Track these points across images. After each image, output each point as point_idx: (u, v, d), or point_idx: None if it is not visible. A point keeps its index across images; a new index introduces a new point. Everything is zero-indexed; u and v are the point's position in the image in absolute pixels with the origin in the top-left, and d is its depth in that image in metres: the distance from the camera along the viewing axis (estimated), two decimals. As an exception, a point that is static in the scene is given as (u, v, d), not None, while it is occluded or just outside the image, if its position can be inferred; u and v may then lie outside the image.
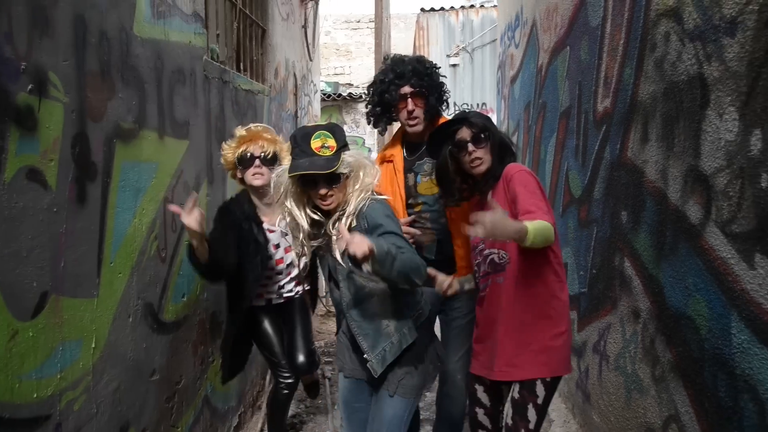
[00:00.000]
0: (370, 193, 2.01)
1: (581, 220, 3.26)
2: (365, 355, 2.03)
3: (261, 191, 2.67)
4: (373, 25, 17.22)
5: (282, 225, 2.66)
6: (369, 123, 2.79)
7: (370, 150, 12.39)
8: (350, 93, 12.79)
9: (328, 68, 16.19)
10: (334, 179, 1.93)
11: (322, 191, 1.93)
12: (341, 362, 2.24)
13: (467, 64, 12.76)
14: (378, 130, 2.85)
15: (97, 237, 1.89)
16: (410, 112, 2.60)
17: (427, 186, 2.63)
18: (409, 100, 2.59)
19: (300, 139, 1.94)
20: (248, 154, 2.59)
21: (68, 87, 1.71)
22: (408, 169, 2.69)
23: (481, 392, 2.31)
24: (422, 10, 13.09)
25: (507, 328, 2.16)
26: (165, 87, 2.40)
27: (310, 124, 2.13)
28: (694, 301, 1.95)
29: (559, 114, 3.66)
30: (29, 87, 1.54)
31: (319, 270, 2.33)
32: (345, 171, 1.94)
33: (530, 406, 2.14)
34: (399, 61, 2.67)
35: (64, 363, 1.71)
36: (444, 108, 2.74)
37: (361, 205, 1.97)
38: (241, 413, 3.43)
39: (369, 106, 2.76)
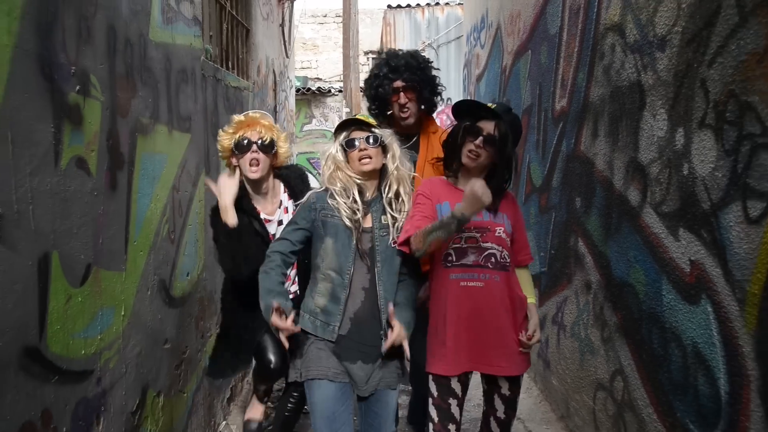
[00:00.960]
0: (410, 186, 2.22)
1: (541, 207, 3.64)
2: (381, 333, 2.11)
3: (257, 181, 2.57)
4: (339, 19, 17.45)
5: (277, 215, 2.61)
6: (375, 118, 2.70)
7: (339, 143, 12.64)
8: (319, 87, 13.00)
9: (295, 62, 16.38)
10: (373, 140, 2.11)
11: (363, 145, 2.09)
12: (322, 368, 2.11)
13: (433, 60, 13.10)
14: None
15: (125, 219, 2.15)
16: (402, 105, 2.68)
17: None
18: (402, 93, 2.66)
19: (345, 117, 2.27)
20: (245, 140, 2.48)
21: (104, 87, 1.97)
22: None
23: (454, 383, 2.19)
24: (389, 6, 13.39)
25: (503, 325, 2.16)
26: (173, 85, 2.66)
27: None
28: (635, 271, 2.34)
29: (521, 111, 4.03)
30: (77, 88, 1.80)
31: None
32: (382, 135, 2.14)
33: (517, 398, 2.26)
34: (393, 55, 2.75)
35: (102, 326, 1.98)
36: (438, 101, 2.83)
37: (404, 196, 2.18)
38: (233, 386, 3.72)
39: (368, 102, 2.86)
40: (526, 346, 2.17)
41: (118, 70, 2.09)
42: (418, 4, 13.29)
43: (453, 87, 13.15)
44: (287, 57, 6.16)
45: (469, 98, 6.50)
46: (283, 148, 2.59)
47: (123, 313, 2.13)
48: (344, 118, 11.41)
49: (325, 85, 13.47)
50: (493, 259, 2.16)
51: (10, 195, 1.48)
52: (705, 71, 1.82)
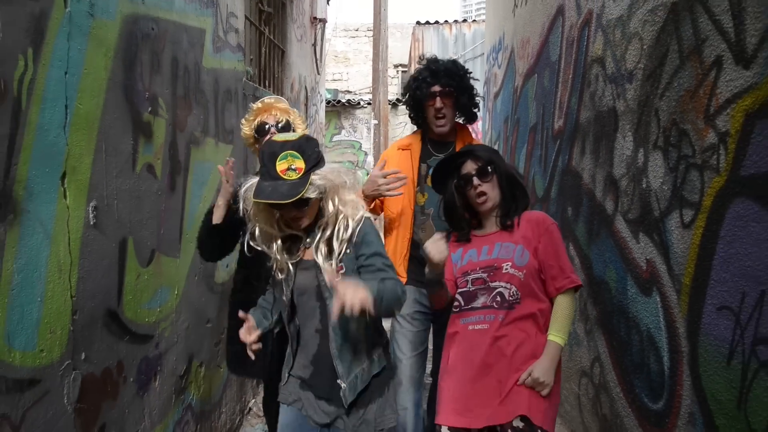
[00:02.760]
0: (360, 212, 1.89)
1: (543, 216, 4.02)
2: (339, 380, 1.87)
3: None
4: (370, 33, 18.00)
5: None
6: (415, 123, 2.83)
7: (366, 154, 13.15)
8: (349, 99, 13.51)
9: (326, 74, 16.96)
10: (302, 203, 1.76)
11: (291, 215, 1.81)
12: (285, 393, 2.02)
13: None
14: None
15: (180, 215, 2.62)
16: (438, 110, 2.63)
17: None
18: (438, 98, 2.62)
19: (266, 159, 1.77)
20: (264, 125, 2.53)
21: (168, 107, 2.45)
22: (423, 159, 2.72)
23: None
24: (418, 23, 13.88)
25: (510, 370, 2.00)
26: (219, 104, 3.13)
27: (279, 138, 1.85)
28: (609, 270, 2.71)
29: (528, 129, 4.42)
30: (149, 109, 2.28)
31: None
32: (314, 196, 1.77)
33: None
34: (434, 60, 2.72)
35: (161, 301, 2.44)
36: (476, 111, 2.79)
37: (356, 230, 1.86)
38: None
39: (407, 107, 2.83)
40: (530, 385, 1.96)
41: (178, 93, 2.56)
42: (446, 21, 13.75)
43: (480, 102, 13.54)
44: (318, 74, 6.65)
45: (488, 124, 6.86)
46: (300, 128, 2.60)
47: (176, 293, 2.60)
48: (372, 131, 11.67)
49: (355, 98, 14.00)
50: (499, 298, 2.03)
51: (103, 192, 1.95)
52: (657, 102, 2.20)
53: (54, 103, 1.68)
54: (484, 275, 2.06)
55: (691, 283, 1.94)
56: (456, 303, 2.13)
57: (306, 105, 5.85)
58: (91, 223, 1.88)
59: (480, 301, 2.06)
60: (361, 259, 1.86)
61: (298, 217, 1.81)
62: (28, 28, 1.56)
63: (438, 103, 2.62)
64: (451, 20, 13.74)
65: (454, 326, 2.13)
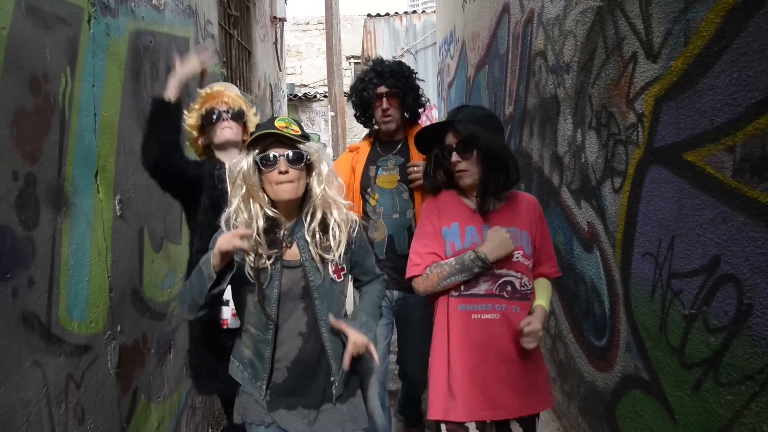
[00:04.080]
0: (350, 211, 1.84)
1: (499, 194, 4.45)
2: (332, 378, 1.81)
3: (231, 149, 2.30)
4: (321, 26, 18.19)
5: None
6: (363, 125, 2.90)
7: (325, 145, 13.42)
8: (305, 93, 13.73)
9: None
10: (297, 159, 1.69)
11: (282, 167, 1.67)
12: (258, 413, 1.82)
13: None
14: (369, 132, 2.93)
15: (180, 206, 2.91)
16: (384, 111, 2.70)
17: (386, 180, 2.74)
18: (384, 99, 2.69)
19: (263, 122, 1.77)
20: (214, 111, 2.27)
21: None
22: (372, 160, 2.79)
23: (473, 429, 1.95)
24: (369, 15, 14.18)
25: (520, 361, 1.95)
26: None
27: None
28: (558, 234, 3.14)
29: (482, 115, 4.84)
30: (153, 113, 2.56)
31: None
32: (309, 151, 1.72)
33: None
34: (379, 62, 2.79)
35: (171, 283, 2.74)
36: (421, 111, 2.87)
37: (351, 232, 1.82)
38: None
39: (353, 107, 2.88)
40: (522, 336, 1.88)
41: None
42: (396, 13, 14.09)
43: (431, 90, 13.97)
44: (280, 70, 6.92)
45: (436, 110, 7.15)
46: (252, 121, 2.39)
47: (181, 276, 2.90)
48: (329, 123, 11.93)
49: (311, 91, 14.23)
50: (509, 288, 1.94)
51: (124, 187, 2.25)
52: (590, 90, 2.62)
53: (87, 112, 1.97)
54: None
55: (622, 237, 2.38)
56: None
57: (271, 101, 6.14)
58: (118, 214, 2.18)
59: (483, 288, 1.93)
60: (357, 263, 1.89)
61: (289, 179, 1.69)
62: (66, 50, 1.85)
63: (384, 103, 2.69)
64: (401, 12, 14.07)
65: (447, 312, 1.96)
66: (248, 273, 1.71)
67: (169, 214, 2.74)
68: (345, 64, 18.32)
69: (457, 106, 2.15)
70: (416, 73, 2.89)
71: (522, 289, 1.95)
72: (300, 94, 13.81)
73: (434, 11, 13.88)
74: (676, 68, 1.91)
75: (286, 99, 7.63)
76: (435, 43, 12.07)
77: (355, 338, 1.73)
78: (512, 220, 2.00)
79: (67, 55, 1.85)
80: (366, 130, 2.98)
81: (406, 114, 2.82)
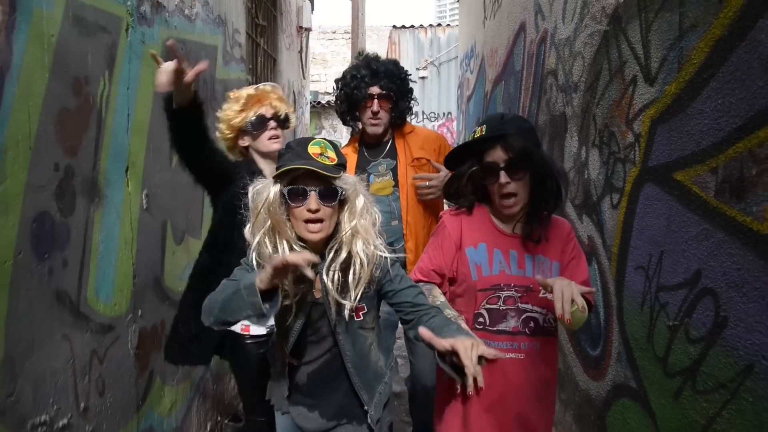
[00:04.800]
0: (380, 247, 1.65)
1: (509, 206, 4.57)
2: (366, 407, 1.74)
3: (271, 157, 2.27)
4: (347, 35, 18.43)
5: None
6: (341, 120, 2.74)
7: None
8: (329, 101, 13.96)
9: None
10: (330, 195, 1.55)
11: (313, 205, 1.52)
12: (279, 401, 1.84)
13: (434, 76, 14.14)
14: (350, 132, 2.78)
15: (201, 203, 3.09)
16: (375, 113, 2.51)
17: (380, 187, 2.60)
18: (376, 100, 2.50)
19: (295, 144, 1.59)
20: (259, 117, 2.21)
21: (193, 113, 2.92)
22: (362, 168, 2.63)
23: None
24: (394, 26, 14.41)
25: (537, 403, 1.85)
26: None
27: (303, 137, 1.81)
28: (561, 248, 3.25)
29: (497, 129, 4.96)
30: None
31: None
32: (345, 187, 1.58)
33: None
34: (374, 59, 2.57)
35: (188, 275, 2.91)
36: (410, 115, 2.73)
37: (374, 269, 1.64)
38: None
39: (336, 102, 2.68)
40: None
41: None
42: (421, 25, 14.29)
43: (453, 102, 14.15)
44: (304, 78, 7.12)
45: (462, 124, 7.24)
46: (293, 121, 2.43)
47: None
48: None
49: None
50: (532, 324, 1.78)
51: (151, 183, 2.42)
52: (595, 109, 2.74)
53: (121, 113, 2.15)
54: (517, 295, 1.77)
55: (617, 251, 2.49)
56: (480, 318, 1.79)
57: (294, 108, 6.33)
58: (144, 207, 2.35)
59: (510, 324, 1.77)
60: (391, 295, 1.69)
61: (320, 218, 1.54)
62: (105, 56, 2.03)
63: (375, 105, 2.50)
64: (426, 24, 14.27)
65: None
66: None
67: (191, 210, 2.91)
68: (369, 73, 18.59)
69: (494, 115, 1.91)
70: (410, 75, 2.70)
71: (545, 325, 1.79)
72: (323, 102, 14.05)
73: (458, 25, 14.07)
74: (670, 92, 2.03)
75: (308, 106, 7.84)
76: (458, 57, 12.28)
77: (464, 342, 1.43)
78: (544, 247, 1.80)
79: (105, 60, 2.03)
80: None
81: (393, 116, 2.64)
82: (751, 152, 1.59)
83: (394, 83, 2.54)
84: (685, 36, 1.94)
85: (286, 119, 2.32)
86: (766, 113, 1.53)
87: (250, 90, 2.30)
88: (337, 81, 2.69)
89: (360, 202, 1.62)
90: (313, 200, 1.54)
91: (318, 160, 1.54)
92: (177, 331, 2.29)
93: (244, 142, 2.32)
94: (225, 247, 2.18)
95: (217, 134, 2.36)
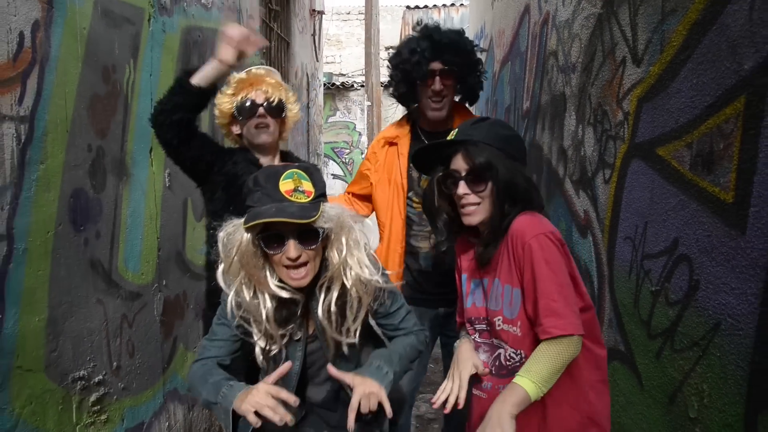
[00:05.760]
0: (375, 277, 1.48)
1: (516, 184, 4.72)
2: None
3: (265, 147, 2.15)
4: (362, 16, 18.45)
5: None
6: (400, 103, 2.38)
7: (360, 134, 13.78)
8: (343, 82, 14.08)
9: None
10: (310, 237, 1.38)
11: (292, 254, 1.36)
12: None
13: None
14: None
15: (219, 183, 3.28)
16: (437, 92, 2.17)
17: None
18: (438, 78, 2.16)
19: (264, 179, 1.40)
20: (248, 102, 2.05)
21: (210, 97, 3.10)
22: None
23: None
24: (408, 7, 14.43)
25: None
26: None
27: (278, 164, 1.69)
28: (561, 222, 3.40)
29: (504, 109, 5.09)
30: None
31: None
32: (326, 226, 1.40)
33: None
34: (435, 29, 2.22)
35: (208, 249, 3.11)
36: (480, 90, 2.36)
37: (371, 303, 1.51)
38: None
39: (392, 82, 2.31)
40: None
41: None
42: (434, 5, 14.29)
43: (467, 82, 14.21)
44: (317, 60, 7.27)
45: (494, 122, 7.34)
46: (293, 111, 2.19)
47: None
48: (365, 112, 12.15)
49: (348, 80, 14.56)
50: (497, 363, 1.57)
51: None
52: (590, 89, 2.87)
53: (145, 98, 2.34)
54: (488, 329, 1.61)
55: (609, 223, 2.63)
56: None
57: (308, 90, 6.49)
58: (167, 185, 2.55)
59: (482, 358, 1.61)
60: (383, 325, 1.60)
61: (301, 261, 1.39)
62: (129, 45, 2.21)
63: (438, 84, 2.17)
64: (439, 4, 14.27)
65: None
66: (259, 360, 1.48)
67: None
68: (383, 54, 18.62)
69: (473, 120, 1.74)
70: (478, 45, 2.36)
71: (507, 363, 1.53)
72: (338, 83, 14.17)
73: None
74: (654, 73, 2.16)
75: (322, 88, 7.99)
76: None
77: (361, 387, 1.38)
78: (498, 269, 1.57)
79: (130, 49, 2.21)
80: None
81: (460, 97, 2.30)
82: (719, 128, 1.73)
83: (459, 56, 2.19)
84: (666, 19, 2.07)
85: (280, 107, 2.08)
86: (732, 92, 1.66)
87: (242, 74, 2.11)
88: (391, 59, 2.31)
89: (346, 235, 1.44)
90: (291, 248, 1.36)
91: (291, 199, 1.35)
92: None
93: (237, 129, 2.14)
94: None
95: (216, 121, 2.24)
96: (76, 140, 1.84)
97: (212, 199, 2.12)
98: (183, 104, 1.92)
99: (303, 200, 1.36)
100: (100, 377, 1.99)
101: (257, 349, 1.46)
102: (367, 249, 1.50)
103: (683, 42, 1.95)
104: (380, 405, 1.40)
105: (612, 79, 2.58)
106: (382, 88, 13.56)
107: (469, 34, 8.27)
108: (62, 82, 1.76)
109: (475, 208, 1.56)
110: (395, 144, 2.32)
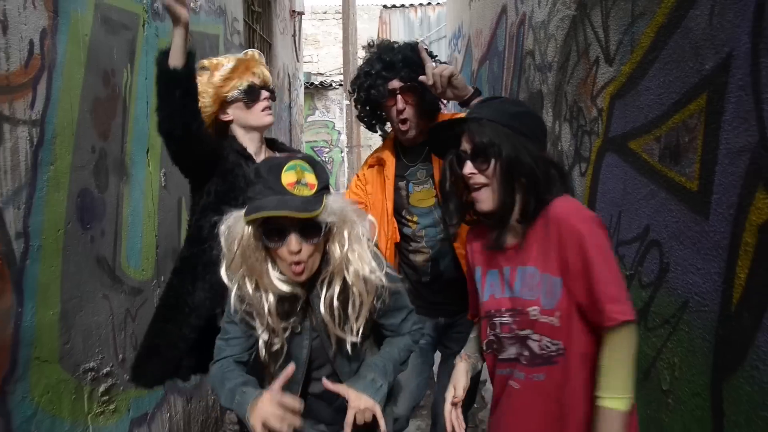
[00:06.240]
0: (377, 274, 1.46)
1: (495, 179, 4.88)
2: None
3: (261, 131, 2.10)
4: (338, 15, 18.53)
5: None
6: (367, 128, 2.38)
7: (340, 133, 13.87)
8: (321, 82, 14.16)
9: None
10: (313, 230, 1.36)
11: (294, 247, 1.34)
12: None
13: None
14: (379, 134, 2.43)
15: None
16: (400, 111, 2.16)
17: (420, 197, 2.27)
18: (399, 96, 2.14)
19: (266, 171, 1.37)
20: (255, 86, 2.00)
21: (200, 99, 3.19)
22: (400, 176, 2.31)
23: None
24: (385, 6, 14.55)
25: None
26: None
27: (280, 155, 1.72)
28: (540, 215, 3.55)
29: (483, 107, 5.24)
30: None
31: None
32: (329, 220, 1.38)
33: None
34: (388, 48, 2.22)
35: (201, 247, 3.20)
36: (444, 104, 2.35)
37: (374, 301, 1.50)
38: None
39: (357, 106, 2.31)
40: None
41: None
42: (411, 4, 14.43)
43: (444, 80, 14.37)
44: (297, 61, 7.35)
45: (504, 100, 7.42)
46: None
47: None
48: (344, 111, 12.27)
49: (327, 79, 14.64)
50: (527, 353, 1.50)
51: (167, 162, 2.69)
52: (566, 87, 3.02)
53: (141, 100, 2.42)
54: (511, 321, 1.52)
55: (586, 214, 2.79)
56: (493, 344, 1.60)
57: (289, 90, 6.58)
58: (163, 185, 2.64)
59: (512, 352, 1.54)
60: (382, 325, 1.62)
61: (303, 256, 1.37)
62: (127, 50, 2.30)
63: (400, 103, 2.15)
64: (416, 3, 14.42)
65: (493, 374, 1.63)
66: (261, 354, 1.48)
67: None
68: (361, 53, 18.75)
69: (483, 98, 1.76)
70: (437, 56, 2.35)
71: (543, 352, 1.46)
72: (316, 83, 14.24)
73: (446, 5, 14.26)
74: (625, 72, 2.32)
75: (302, 88, 8.08)
76: (446, 36, 12.51)
77: (356, 402, 1.41)
78: (528, 255, 1.50)
79: (127, 54, 2.30)
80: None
81: (425, 111, 2.26)
82: (684, 123, 1.88)
83: (416, 72, 2.12)
84: (636, 22, 2.22)
85: (274, 91, 2.08)
86: (695, 90, 1.82)
87: (238, 55, 2.04)
88: (352, 84, 2.32)
89: (349, 229, 1.42)
90: (293, 241, 1.34)
91: (294, 192, 1.32)
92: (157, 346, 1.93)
93: (227, 116, 2.02)
94: (202, 240, 1.85)
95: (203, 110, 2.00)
96: (81, 142, 1.92)
97: (201, 193, 2.00)
98: (177, 107, 1.78)
99: (306, 193, 1.33)
100: (108, 369, 2.08)
101: (260, 343, 1.46)
102: (370, 245, 1.47)
103: (651, 43, 2.10)
104: (374, 418, 1.44)
105: (586, 78, 2.73)
106: (350, 96, 13.67)
107: (447, 34, 8.42)
108: (68, 86, 1.84)
109: (484, 189, 1.48)
110: (383, 165, 2.34)
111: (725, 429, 1.76)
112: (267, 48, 5.53)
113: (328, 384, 1.46)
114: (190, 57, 1.83)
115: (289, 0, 6.69)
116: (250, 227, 1.34)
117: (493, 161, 1.46)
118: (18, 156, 1.60)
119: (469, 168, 1.47)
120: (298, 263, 1.36)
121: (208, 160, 1.93)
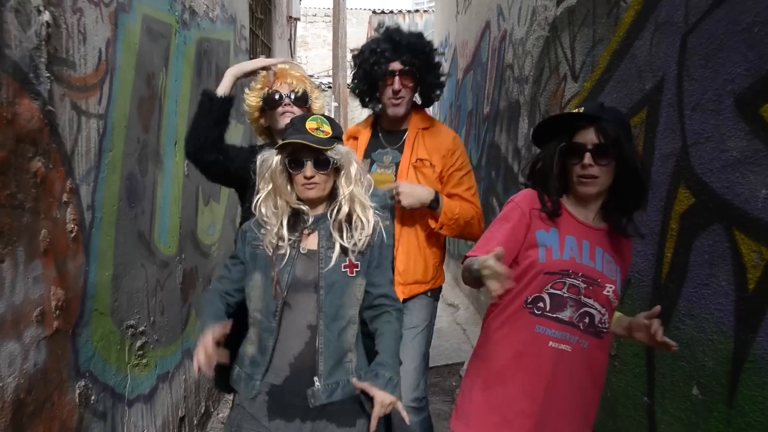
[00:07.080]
0: (374, 206, 1.82)
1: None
2: (315, 378, 1.73)
3: (282, 135, 2.08)
4: (327, 18, 18.88)
5: None
6: (359, 101, 2.49)
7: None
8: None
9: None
10: (323, 164, 1.73)
11: (308, 173, 1.72)
12: (253, 429, 1.77)
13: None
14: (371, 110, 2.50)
15: (220, 174, 3.74)
16: (396, 92, 2.30)
17: (379, 180, 2.34)
18: (397, 78, 2.29)
19: (297, 120, 1.80)
20: (275, 94, 2.20)
21: (214, 99, 3.56)
22: (367, 153, 2.46)
23: None
24: (374, 12, 14.96)
25: (573, 406, 1.73)
26: (237, 94, 4.24)
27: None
28: (515, 211, 3.97)
29: (467, 113, 5.66)
30: (207, 100, 3.39)
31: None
32: (336, 157, 1.74)
33: None
34: (396, 31, 2.36)
35: (212, 232, 3.57)
36: (438, 93, 2.46)
37: (376, 230, 1.79)
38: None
39: (354, 81, 2.44)
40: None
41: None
42: (399, 11, 14.86)
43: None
44: (292, 64, 7.72)
45: (437, 108, 7.95)
46: (317, 102, 2.28)
47: (218, 228, 3.73)
48: (332, 113, 12.60)
49: (315, 81, 14.97)
50: (587, 320, 1.69)
51: (190, 154, 3.07)
52: (540, 98, 3.45)
53: (172, 100, 2.79)
54: (582, 286, 1.68)
55: (554, 209, 3.21)
56: (540, 302, 1.69)
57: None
58: (185, 174, 3.01)
59: (567, 314, 1.68)
60: (371, 263, 1.81)
61: (315, 182, 1.73)
62: (163, 56, 2.67)
63: (397, 84, 2.30)
64: (404, 10, 14.86)
65: (523, 330, 1.72)
66: (267, 248, 1.76)
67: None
68: (349, 56, 19.12)
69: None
70: (437, 49, 2.46)
71: (599, 325, 1.69)
72: (305, 84, 14.58)
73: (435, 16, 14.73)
74: (587, 88, 2.74)
75: (296, 90, 8.42)
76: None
77: (383, 399, 1.69)
78: (615, 248, 1.75)
79: (163, 59, 2.67)
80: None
81: (417, 97, 2.42)
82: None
83: (417, 58, 2.30)
84: (596, 46, 2.65)
85: (304, 97, 2.21)
86: (638, 105, 2.25)
87: (266, 71, 2.29)
88: (354, 57, 2.46)
89: (353, 168, 1.78)
90: (308, 168, 1.73)
91: (313, 134, 1.73)
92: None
93: (265, 122, 2.32)
94: None
95: (247, 119, 2.47)
96: (130, 134, 2.29)
97: (243, 200, 2.30)
98: (207, 130, 2.17)
99: (322, 136, 1.73)
100: (143, 328, 2.44)
101: (266, 241, 1.77)
102: (369, 189, 1.83)
103: (607, 65, 2.52)
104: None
105: (556, 91, 3.15)
106: (349, 89, 14.00)
107: (435, 43, 8.86)
108: (122, 87, 2.21)
109: (594, 181, 1.65)
110: (356, 138, 2.52)
111: (656, 380, 2.18)
112: (267, 52, 5.89)
113: (356, 382, 1.72)
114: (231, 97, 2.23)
115: (287, 6, 7.06)
116: (279, 157, 1.76)
117: (612, 159, 1.63)
118: (90, 143, 1.96)
119: (588, 159, 1.63)
120: (311, 186, 1.75)
121: (238, 178, 2.23)
